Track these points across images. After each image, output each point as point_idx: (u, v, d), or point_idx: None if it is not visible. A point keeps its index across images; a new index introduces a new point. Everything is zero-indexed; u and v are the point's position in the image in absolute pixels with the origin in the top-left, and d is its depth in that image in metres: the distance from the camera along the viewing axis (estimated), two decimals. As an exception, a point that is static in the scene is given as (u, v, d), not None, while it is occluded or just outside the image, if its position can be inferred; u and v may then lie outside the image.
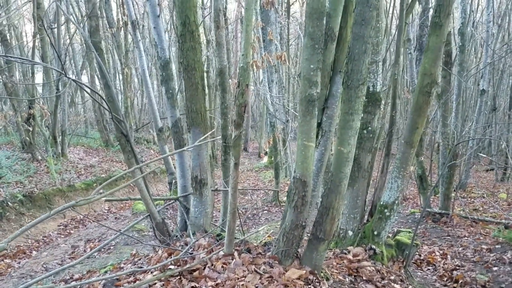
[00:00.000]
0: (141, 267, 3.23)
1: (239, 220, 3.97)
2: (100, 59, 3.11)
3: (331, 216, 3.09)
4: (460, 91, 8.37)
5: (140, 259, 3.57)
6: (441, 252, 5.85)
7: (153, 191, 12.46)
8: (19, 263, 6.39)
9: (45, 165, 10.72)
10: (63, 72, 2.61)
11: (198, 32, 3.45)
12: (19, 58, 9.15)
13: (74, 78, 16.50)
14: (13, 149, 11.65)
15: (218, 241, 3.61)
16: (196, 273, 2.96)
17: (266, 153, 20.36)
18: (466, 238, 6.51)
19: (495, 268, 5.22)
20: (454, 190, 8.04)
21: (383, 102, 4.27)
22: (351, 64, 2.87)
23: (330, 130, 3.13)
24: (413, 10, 13.27)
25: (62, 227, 8.69)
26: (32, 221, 2.03)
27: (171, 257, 3.17)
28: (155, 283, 2.85)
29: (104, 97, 3.15)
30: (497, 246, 5.92)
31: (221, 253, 3.18)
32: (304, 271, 3.05)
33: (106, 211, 10.04)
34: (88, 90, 8.88)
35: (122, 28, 15.99)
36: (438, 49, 3.37)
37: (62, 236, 8.05)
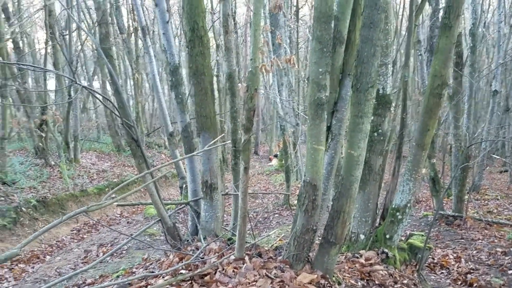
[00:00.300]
0: (152, 272, 3.24)
1: (249, 224, 3.97)
2: (110, 66, 3.14)
3: (342, 220, 3.08)
4: (471, 92, 8.29)
5: (151, 264, 3.59)
6: (454, 255, 5.77)
7: (164, 196, 12.52)
8: (33, 267, 6.46)
9: (58, 170, 10.85)
10: (74, 79, 2.65)
11: (207, 38, 3.47)
12: (31, 66, 9.29)
13: (86, 83, 16.67)
14: (26, 154, 11.81)
15: (229, 245, 3.61)
16: (207, 278, 2.96)
17: (276, 156, 20.24)
18: (480, 241, 6.42)
19: (510, 271, 5.14)
20: (468, 192, 7.94)
21: (393, 104, 4.25)
22: (360, 67, 2.86)
23: (340, 133, 3.11)
24: (423, 12, 13.19)
25: (75, 231, 8.77)
26: (45, 226, 2.06)
27: (182, 262, 3.18)
28: (167, 288, 2.86)
29: (115, 103, 3.17)
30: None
31: (232, 257, 3.18)
32: (316, 276, 3.03)
33: (118, 216, 10.11)
34: (99, 97, 8.96)
35: (133, 34, 16.17)
36: (448, 50, 3.35)
37: (75, 240, 8.12)
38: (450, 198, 8.67)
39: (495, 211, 8.46)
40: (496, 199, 9.50)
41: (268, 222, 9.27)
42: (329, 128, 3.07)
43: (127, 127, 3.14)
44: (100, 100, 4.22)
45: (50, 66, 15.49)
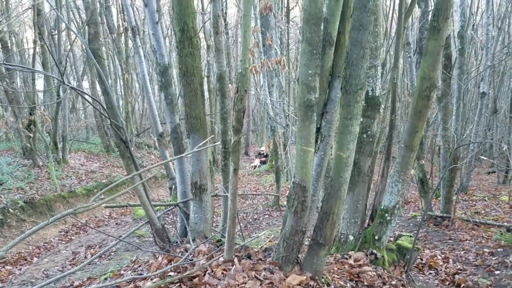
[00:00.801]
0: (141, 274, 3.22)
1: (239, 225, 3.96)
2: (99, 66, 3.11)
3: (331, 221, 3.08)
4: (460, 94, 8.37)
5: (140, 266, 3.56)
6: (443, 256, 5.82)
7: (154, 196, 12.45)
8: (20, 269, 6.38)
9: (46, 171, 10.73)
10: (61, 79, 2.62)
11: (197, 39, 3.45)
12: (18, 66, 9.17)
13: (75, 83, 16.51)
14: (14, 155, 11.67)
15: (218, 247, 3.59)
16: (196, 280, 2.95)
17: (262, 155, 20.02)
18: (468, 241, 6.48)
19: (497, 272, 5.19)
20: (456, 193, 8.01)
21: (382, 106, 4.27)
22: (349, 69, 2.87)
23: (329, 134, 3.12)
24: (412, 14, 13.29)
25: (63, 233, 8.68)
26: (32, 228, 2.03)
27: (171, 264, 3.16)
28: (155, 290, 2.84)
29: (103, 104, 3.15)
30: (499, 250, 5.90)
31: (221, 259, 3.16)
32: (305, 277, 3.03)
33: (107, 217, 10.03)
34: (87, 97, 8.86)
35: (123, 34, 16.08)
36: (437, 53, 3.37)
37: (63, 242, 8.04)
38: (439, 199, 8.75)
39: (483, 212, 8.55)
40: (483, 200, 9.60)
41: (258, 223, 9.26)
42: (318, 130, 3.07)
43: (115, 128, 3.12)
44: (88, 101, 4.17)
45: (38, 66, 15.32)
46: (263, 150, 20.64)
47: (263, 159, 19.83)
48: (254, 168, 18.46)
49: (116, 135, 3.19)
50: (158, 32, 4.19)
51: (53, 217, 2.00)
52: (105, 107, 3.13)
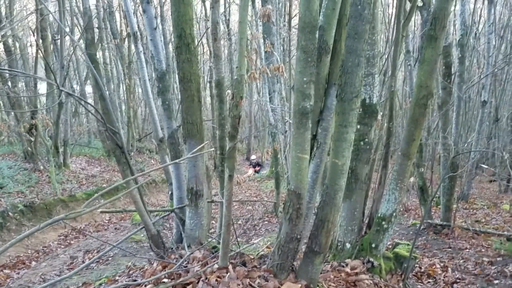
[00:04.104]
0: (135, 280, 3.21)
1: (234, 232, 3.95)
2: (95, 71, 3.13)
3: (326, 229, 3.07)
4: (459, 103, 8.35)
5: (135, 272, 3.55)
6: (441, 264, 5.79)
7: (154, 201, 12.45)
8: (18, 273, 6.38)
9: (47, 175, 10.75)
10: (57, 84, 2.63)
11: (194, 45, 3.47)
12: (14, 71, 9.21)
13: (78, 88, 16.49)
14: (15, 159, 11.70)
15: (213, 253, 3.58)
16: (189, 287, 2.94)
17: (256, 165, 19.75)
18: (467, 250, 6.44)
19: (496, 281, 5.16)
20: (456, 202, 7.97)
21: (380, 113, 4.27)
22: (344, 77, 2.87)
23: (325, 142, 3.11)
24: (414, 22, 13.27)
25: (62, 237, 8.68)
26: (24, 233, 2.03)
27: (165, 270, 3.15)
28: (148, 296, 2.83)
29: (100, 109, 3.15)
30: (498, 259, 5.86)
31: (216, 266, 3.15)
32: (300, 285, 3.02)
33: (106, 222, 10.02)
34: (83, 103, 8.91)
35: (126, 39, 16.16)
36: (434, 61, 3.38)
37: (62, 246, 8.03)
38: (439, 207, 8.71)
39: (483, 220, 8.50)
40: (484, 208, 9.55)
41: (257, 229, 9.24)
42: (314, 137, 3.07)
43: (111, 134, 3.12)
44: (84, 106, 4.18)
45: (41, 70, 15.41)
46: (254, 159, 20.45)
47: (257, 168, 19.64)
48: (249, 178, 18.16)
49: (112, 140, 3.19)
50: (156, 38, 4.21)
51: (44, 223, 2.00)
52: (101, 112, 3.14)
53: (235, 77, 2.82)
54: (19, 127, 10.84)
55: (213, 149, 4.49)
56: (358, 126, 4.01)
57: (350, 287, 3.61)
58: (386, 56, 8.50)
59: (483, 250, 6.36)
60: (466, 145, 8.42)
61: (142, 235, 6.94)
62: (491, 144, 13.31)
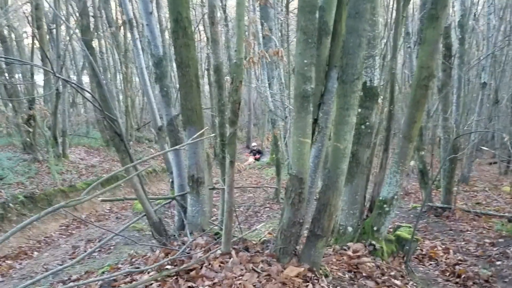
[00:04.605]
0: (138, 268, 3.20)
1: (236, 218, 3.94)
2: (92, 58, 3.07)
3: (328, 213, 3.05)
4: (460, 84, 8.30)
5: (137, 260, 3.54)
6: (443, 246, 5.80)
7: (154, 191, 12.46)
8: (20, 264, 6.39)
9: (47, 166, 10.72)
10: (53, 71, 2.58)
11: (191, 29, 3.41)
12: (10, 58, 9.08)
13: (75, 78, 16.38)
14: (14, 150, 11.64)
15: (216, 240, 3.57)
16: (193, 273, 2.93)
17: (257, 152, 19.68)
18: (468, 232, 6.47)
19: (498, 262, 5.18)
20: (456, 184, 7.98)
21: (381, 97, 4.22)
22: (345, 58, 2.82)
23: (326, 126, 3.08)
24: (412, 4, 13.12)
25: (63, 227, 8.68)
26: (22, 222, 2.00)
27: (168, 257, 3.14)
28: (152, 284, 2.82)
29: (97, 96, 3.11)
30: (500, 240, 5.88)
31: (219, 252, 3.15)
32: (303, 269, 3.01)
33: (108, 211, 10.03)
34: (84, 93, 8.82)
35: (121, 27, 15.98)
36: (435, 41, 3.32)
37: (64, 236, 8.04)
38: (439, 190, 8.72)
39: (484, 202, 8.52)
40: (485, 190, 9.57)
41: (259, 216, 9.26)
42: (316, 121, 3.03)
43: (109, 121, 3.08)
44: (81, 94, 4.14)
45: (37, 60, 15.25)
46: (255, 146, 20.39)
47: (257, 156, 19.58)
48: (249, 165, 18.11)
49: (110, 128, 3.15)
50: (152, 23, 4.13)
51: (44, 211, 1.97)
52: (98, 99, 3.10)
53: (234, 61, 2.77)
54: (17, 118, 10.77)
55: (213, 134, 4.44)
56: (359, 110, 3.97)
57: (353, 270, 3.62)
58: (385, 40, 8.42)
59: (484, 232, 6.38)
60: (466, 127, 8.37)
61: (143, 223, 6.95)
62: (491, 127, 13.27)
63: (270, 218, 8.72)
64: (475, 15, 12.43)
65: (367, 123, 4.07)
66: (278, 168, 10.70)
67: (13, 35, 14.92)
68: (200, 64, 19.78)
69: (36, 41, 11.53)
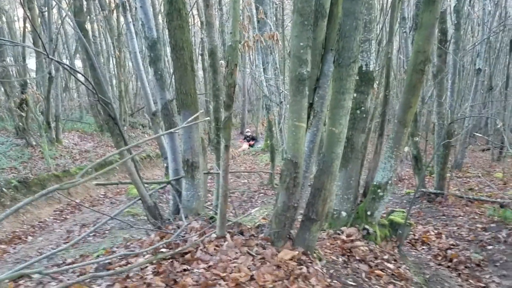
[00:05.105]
0: (133, 251, 3.20)
1: (232, 203, 3.95)
2: (85, 40, 3.03)
3: (323, 197, 3.07)
4: (455, 70, 8.30)
5: (132, 243, 3.55)
6: (435, 231, 5.87)
7: (149, 176, 12.43)
8: (14, 248, 6.38)
9: (40, 150, 10.64)
10: (46, 53, 2.54)
11: (186, 11, 3.36)
12: (1, 39, 8.94)
13: (68, 62, 16.16)
14: (7, 135, 11.54)
15: (211, 224, 3.58)
16: (188, 256, 2.94)
17: (251, 138, 19.62)
18: (461, 217, 6.54)
19: (489, 247, 5.25)
20: (450, 170, 8.03)
21: (376, 81, 4.21)
22: (342, 41, 2.80)
23: (322, 110, 3.06)
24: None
25: (58, 212, 8.67)
26: (15, 205, 1.99)
27: (163, 240, 3.15)
28: (147, 266, 2.83)
29: (91, 79, 3.07)
30: (492, 225, 5.95)
31: (214, 235, 3.16)
32: (297, 252, 3.03)
33: (102, 196, 10.01)
34: (77, 75, 8.71)
35: (114, 11, 15.75)
36: (431, 25, 3.30)
37: (58, 221, 8.03)
38: (433, 176, 8.78)
39: (476, 188, 8.60)
40: (477, 176, 9.65)
41: (253, 201, 9.29)
42: (311, 105, 3.02)
43: (103, 104, 3.05)
44: (74, 76, 4.08)
45: (29, 43, 15.01)
46: (249, 132, 20.32)
47: (252, 142, 19.54)
48: (243, 152, 18.06)
49: (104, 111, 3.12)
50: (146, 5, 4.07)
51: (38, 193, 1.95)
52: (92, 82, 3.06)
53: (229, 43, 2.74)
54: (10, 102, 10.65)
55: (208, 118, 4.42)
56: (355, 94, 3.96)
57: (346, 254, 3.65)
58: (381, 25, 8.38)
59: (476, 217, 6.45)
60: (461, 114, 8.40)
61: (139, 208, 6.95)
62: (485, 113, 13.34)
63: (265, 203, 8.76)
64: (470, 0, 12.39)
65: (362, 108, 4.06)
66: (273, 154, 10.71)
67: (4, 18, 14.67)
68: (194, 49, 19.59)
69: (28, 24, 11.34)
